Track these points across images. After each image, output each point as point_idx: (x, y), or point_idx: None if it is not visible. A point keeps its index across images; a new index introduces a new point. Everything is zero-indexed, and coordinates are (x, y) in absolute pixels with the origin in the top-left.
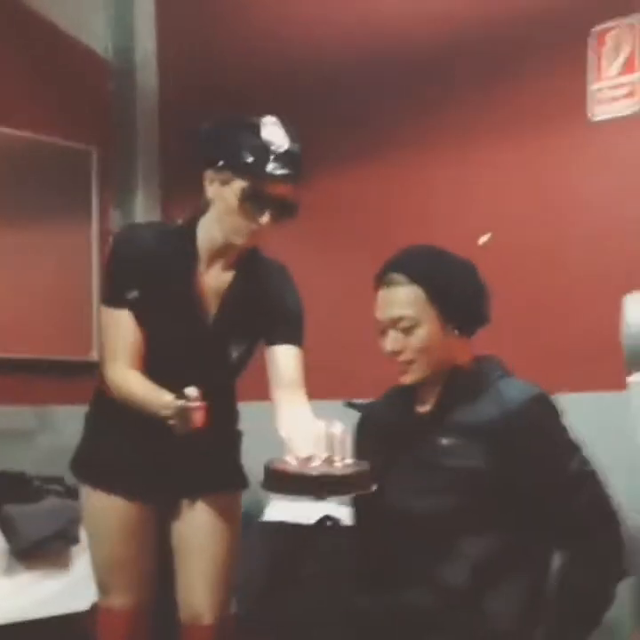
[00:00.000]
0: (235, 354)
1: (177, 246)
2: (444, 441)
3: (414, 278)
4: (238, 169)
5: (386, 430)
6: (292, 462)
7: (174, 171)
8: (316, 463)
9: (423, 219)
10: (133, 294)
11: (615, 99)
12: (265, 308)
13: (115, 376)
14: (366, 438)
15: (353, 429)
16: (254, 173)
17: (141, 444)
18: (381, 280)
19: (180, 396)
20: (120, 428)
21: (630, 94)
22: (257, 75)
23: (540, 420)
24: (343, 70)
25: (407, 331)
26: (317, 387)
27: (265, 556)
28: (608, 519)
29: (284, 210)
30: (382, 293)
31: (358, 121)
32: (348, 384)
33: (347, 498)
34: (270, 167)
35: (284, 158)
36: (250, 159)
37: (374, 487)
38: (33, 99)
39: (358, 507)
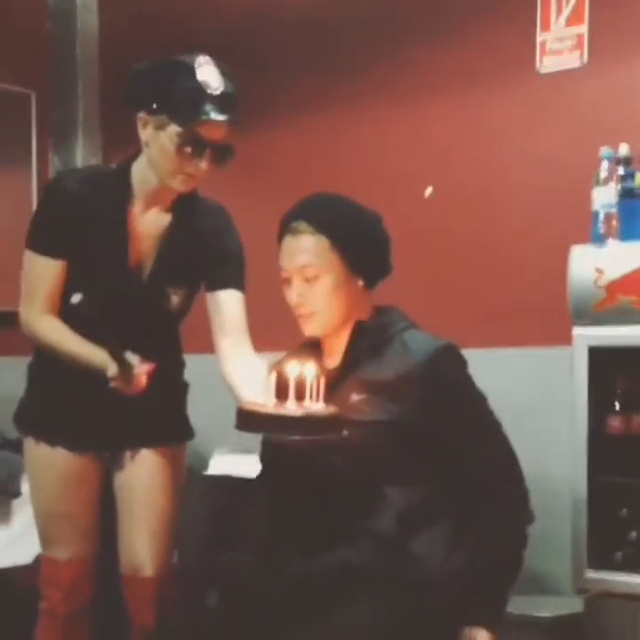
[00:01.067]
0: (174, 299)
1: (109, 190)
2: (355, 397)
3: (318, 227)
4: (175, 113)
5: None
6: (264, 404)
7: (115, 114)
8: (291, 405)
9: (368, 171)
10: (58, 242)
11: (562, 50)
12: (204, 252)
13: (32, 320)
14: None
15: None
16: (191, 117)
17: (84, 396)
18: (286, 228)
19: (118, 355)
20: (62, 379)
21: (577, 46)
22: (199, 15)
23: (447, 370)
24: (286, 16)
25: (311, 280)
26: (258, 338)
27: (207, 510)
28: (513, 468)
29: (221, 153)
30: (286, 241)
31: (300, 69)
32: (281, 337)
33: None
34: (207, 110)
35: (220, 101)
36: (186, 103)
37: (345, 432)
38: None
39: (273, 466)
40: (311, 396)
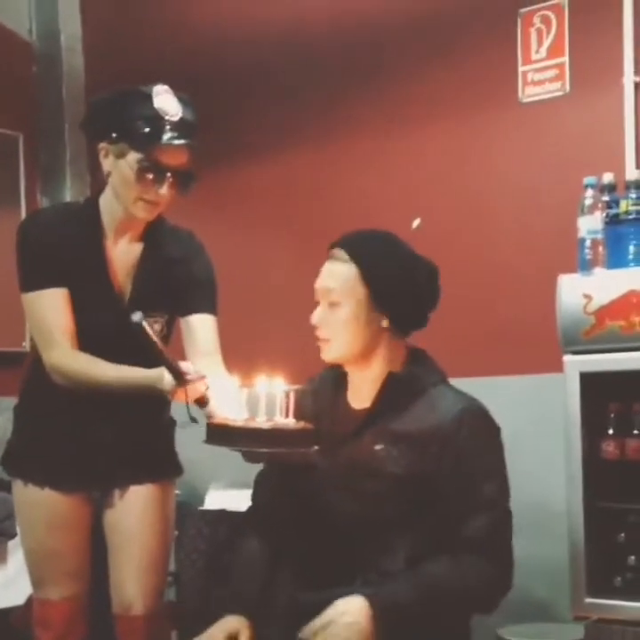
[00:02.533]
0: (155, 327)
1: (81, 224)
2: (376, 446)
3: (352, 255)
4: (133, 140)
5: (315, 419)
6: (235, 419)
7: None
8: (261, 420)
9: (352, 203)
10: (53, 270)
11: (543, 81)
12: (177, 278)
13: (61, 361)
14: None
15: None
16: (149, 143)
17: (70, 436)
18: (329, 253)
19: (174, 366)
20: (48, 419)
21: (558, 77)
22: (183, 56)
23: (468, 437)
24: (271, 54)
25: (333, 305)
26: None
27: (205, 545)
28: (500, 548)
29: (182, 179)
30: (325, 265)
31: (286, 105)
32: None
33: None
34: (166, 136)
35: (178, 126)
36: (144, 129)
37: (316, 447)
38: None
39: (286, 498)
40: (281, 412)
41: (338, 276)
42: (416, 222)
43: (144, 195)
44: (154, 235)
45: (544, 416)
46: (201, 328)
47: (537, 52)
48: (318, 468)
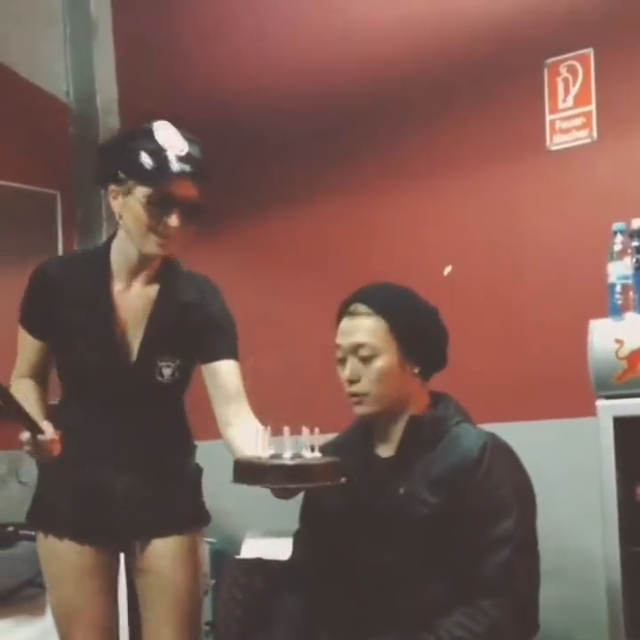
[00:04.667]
0: (166, 372)
1: (89, 271)
2: (402, 490)
3: (379, 310)
4: (140, 175)
5: (344, 474)
6: (260, 457)
7: None
8: (287, 456)
9: (381, 251)
10: (38, 325)
11: (571, 129)
12: (193, 322)
13: (12, 382)
14: None
15: None
16: (156, 176)
17: (88, 487)
18: (345, 310)
19: (32, 420)
20: (67, 471)
21: (585, 125)
22: (217, 115)
23: (487, 471)
24: (299, 105)
25: (366, 360)
26: (283, 421)
27: (241, 594)
28: (517, 592)
29: (191, 210)
30: (345, 322)
31: (313, 155)
32: (312, 417)
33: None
34: (173, 167)
35: (184, 159)
36: (149, 163)
37: (344, 480)
38: None
39: (321, 553)
40: (307, 448)
41: (368, 330)
42: (448, 269)
43: (155, 228)
44: (168, 277)
45: (578, 461)
46: (225, 374)
47: (564, 100)
48: (350, 521)
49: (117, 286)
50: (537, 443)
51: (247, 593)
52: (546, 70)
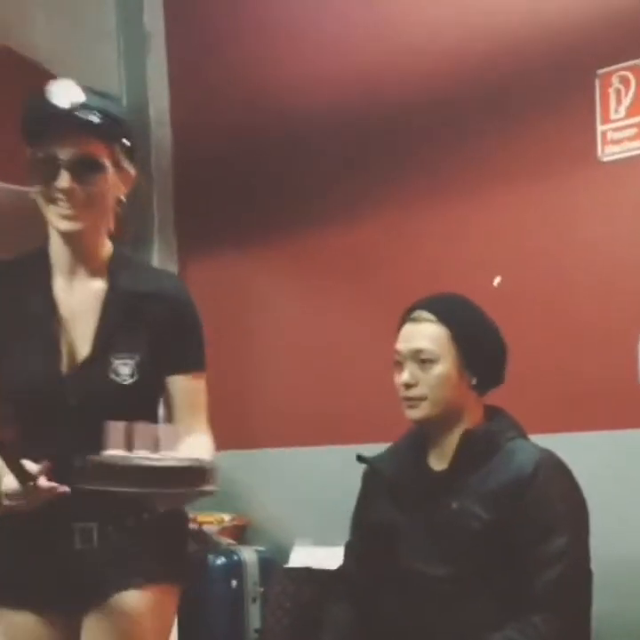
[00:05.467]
0: (124, 370)
1: (28, 270)
2: (455, 505)
3: (442, 318)
4: (23, 134)
5: (396, 486)
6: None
7: (189, 223)
8: (142, 453)
9: (434, 266)
10: None
11: (623, 139)
12: (153, 320)
13: None
14: (375, 493)
15: (361, 481)
16: (35, 131)
17: (35, 549)
18: (408, 316)
19: (17, 463)
20: (12, 532)
21: (637, 135)
22: (270, 129)
23: (541, 487)
24: (344, 122)
25: (425, 365)
26: (331, 435)
27: (289, 603)
28: (568, 610)
29: (84, 168)
30: (407, 327)
31: (369, 170)
32: (361, 430)
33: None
34: (52, 120)
35: (73, 111)
36: (30, 117)
37: (212, 488)
38: None
39: (372, 565)
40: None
41: (428, 336)
42: (497, 280)
43: (49, 196)
44: (118, 268)
45: (629, 471)
46: (184, 388)
47: (616, 111)
48: (402, 534)
49: (59, 282)
50: (590, 454)
51: (295, 602)
52: (597, 81)
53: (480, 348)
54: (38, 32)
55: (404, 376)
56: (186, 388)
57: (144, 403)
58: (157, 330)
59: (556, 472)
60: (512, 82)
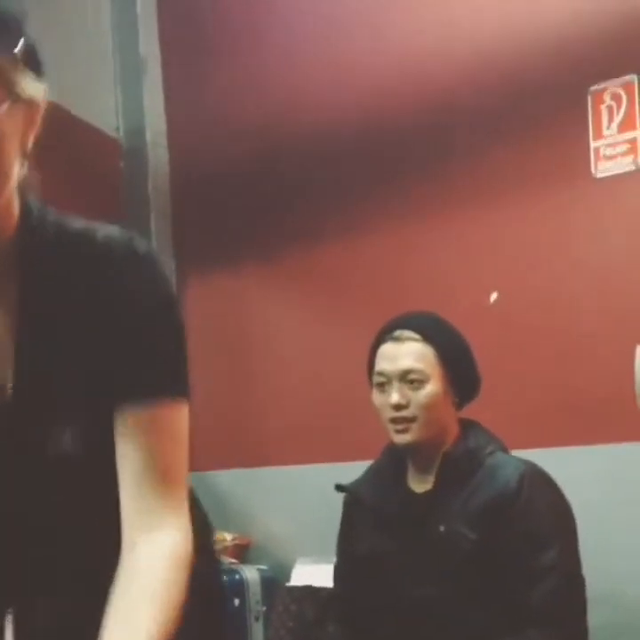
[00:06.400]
0: (66, 438)
1: None
2: (442, 527)
3: (426, 336)
4: None
5: (379, 512)
6: None
7: (187, 244)
8: None
9: (430, 281)
10: None
11: (616, 155)
12: (99, 325)
13: None
14: (357, 521)
15: (342, 508)
16: None
17: None
18: (387, 336)
19: None
20: None
21: (630, 151)
22: (265, 149)
23: (527, 501)
24: (348, 138)
25: (414, 385)
26: (332, 452)
27: (292, 622)
28: (565, 621)
29: None
30: (389, 347)
31: (369, 184)
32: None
33: None
34: None
35: None
36: None
37: None
38: (49, 181)
39: (363, 591)
40: None
41: (415, 355)
42: (494, 296)
43: None
44: (34, 250)
45: (623, 485)
46: (144, 432)
47: (608, 127)
48: (388, 558)
49: None
50: (589, 467)
51: (298, 620)
52: (590, 97)
53: (462, 366)
54: None
55: (394, 397)
56: (155, 430)
57: (106, 481)
58: (112, 349)
59: (540, 483)
60: (505, 97)
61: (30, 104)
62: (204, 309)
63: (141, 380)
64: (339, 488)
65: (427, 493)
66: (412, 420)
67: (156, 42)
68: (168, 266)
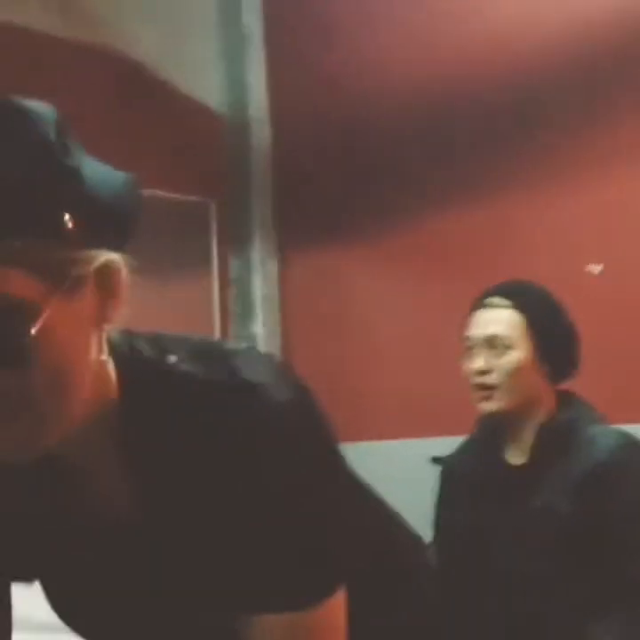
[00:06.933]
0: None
1: None
2: (539, 501)
3: (517, 304)
4: None
5: (475, 484)
6: None
7: (288, 219)
8: None
9: (535, 255)
10: None
11: None
12: (223, 530)
13: None
14: (453, 493)
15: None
16: None
17: None
18: (480, 302)
19: None
20: None
21: None
22: (369, 124)
23: (629, 475)
24: (452, 117)
25: (499, 352)
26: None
27: None
28: None
29: None
30: (478, 314)
31: (468, 161)
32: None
33: None
34: None
35: None
36: None
37: None
38: (152, 157)
39: (461, 567)
40: None
41: (503, 322)
42: (598, 268)
43: None
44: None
45: None
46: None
47: None
48: (485, 532)
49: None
50: None
51: None
52: None
53: (554, 335)
54: (138, 33)
55: (478, 362)
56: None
57: None
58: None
59: (638, 453)
60: (601, 76)
61: (102, 273)
62: (305, 287)
63: (273, 588)
64: (435, 460)
65: (523, 466)
66: (495, 386)
67: (259, 17)
68: (270, 244)
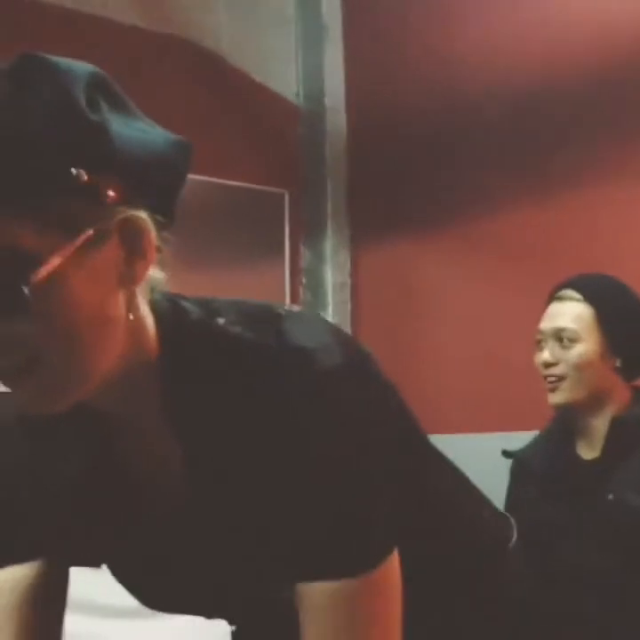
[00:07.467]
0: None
1: None
2: (611, 496)
3: (587, 297)
4: None
5: (548, 479)
6: None
7: (362, 210)
8: None
9: (611, 252)
10: None
11: None
12: (264, 499)
13: None
14: (524, 487)
15: (509, 474)
16: None
17: None
18: (554, 295)
19: None
20: None
21: None
22: (444, 116)
23: None
24: (537, 109)
25: (567, 344)
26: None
27: None
28: None
29: None
30: (552, 306)
31: (551, 153)
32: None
33: None
34: None
35: None
36: None
37: None
38: (228, 147)
39: (532, 562)
40: None
41: (574, 316)
42: None
43: None
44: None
45: None
46: (315, 618)
47: None
48: (557, 527)
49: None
50: None
51: None
52: None
53: (626, 329)
54: (218, 22)
55: (544, 354)
56: (325, 613)
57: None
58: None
59: None
60: None
61: (126, 230)
62: (376, 277)
63: (314, 558)
64: (506, 454)
65: (595, 460)
66: (561, 378)
67: (338, 8)
68: (343, 233)
